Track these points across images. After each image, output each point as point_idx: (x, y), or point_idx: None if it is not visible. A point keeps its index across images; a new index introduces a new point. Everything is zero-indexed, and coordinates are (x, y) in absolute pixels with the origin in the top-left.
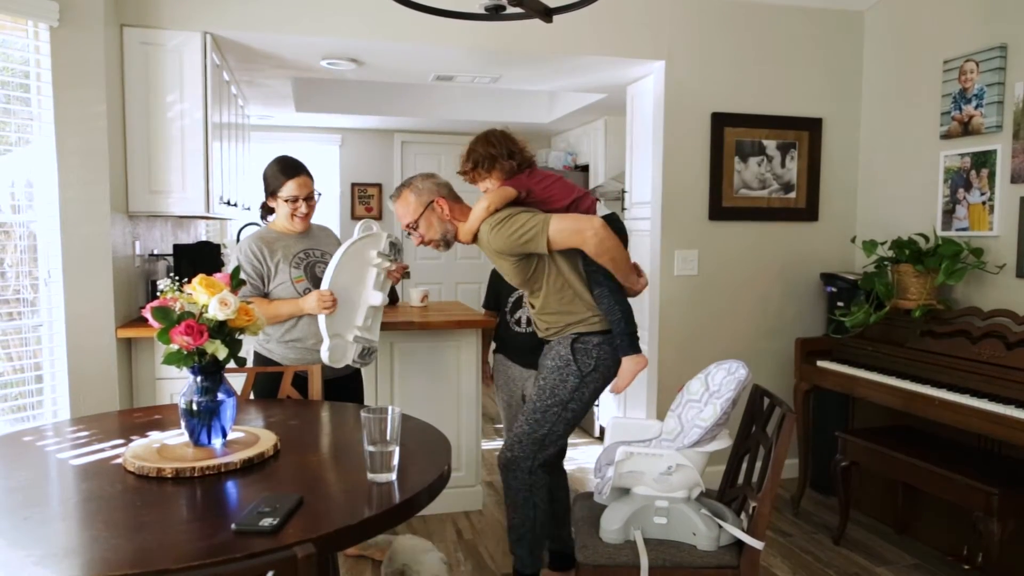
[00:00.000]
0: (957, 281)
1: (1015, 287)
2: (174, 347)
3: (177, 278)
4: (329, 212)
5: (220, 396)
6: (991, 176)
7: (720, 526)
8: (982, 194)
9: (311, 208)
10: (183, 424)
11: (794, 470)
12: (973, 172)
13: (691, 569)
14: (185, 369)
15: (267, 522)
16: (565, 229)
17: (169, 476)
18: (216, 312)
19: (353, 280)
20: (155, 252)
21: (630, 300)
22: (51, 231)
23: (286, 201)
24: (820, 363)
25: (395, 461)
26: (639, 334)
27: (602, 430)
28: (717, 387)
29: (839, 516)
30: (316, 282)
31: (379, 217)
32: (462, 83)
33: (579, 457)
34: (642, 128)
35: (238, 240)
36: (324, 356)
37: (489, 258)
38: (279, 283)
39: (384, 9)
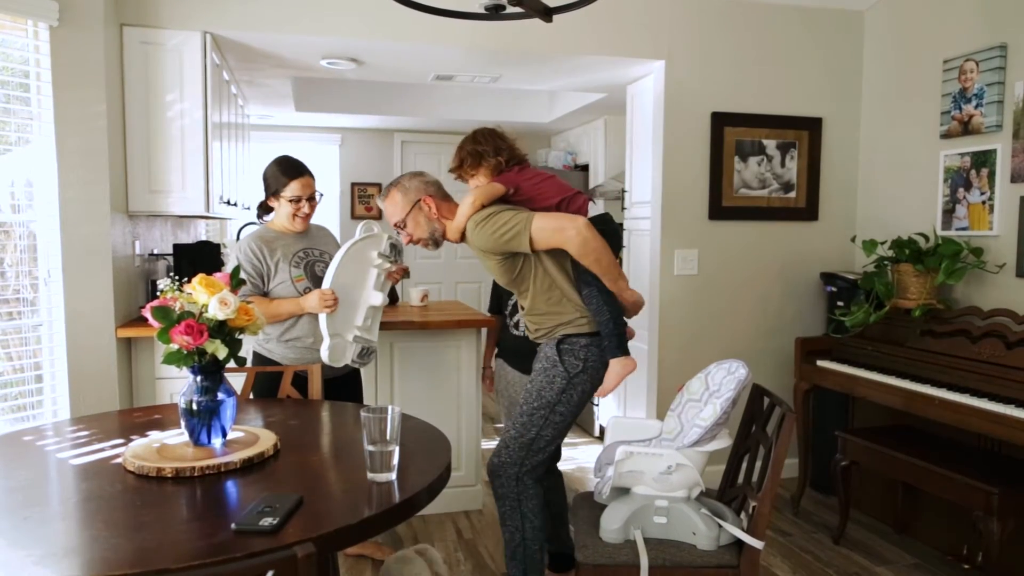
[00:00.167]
0: (957, 281)
1: (1015, 286)
2: (174, 347)
3: (177, 278)
4: (329, 212)
5: (220, 396)
6: (991, 176)
7: (720, 526)
8: (982, 194)
9: (312, 208)
10: (183, 424)
11: (794, 470)
12: (973, 172)
13: (691, 568)
14: (185, 369)
15: (267, 522)
16: (547, 228)
17: (169, 476)
18: (216, 312)
19: (354, 280)
20: (155, 252)
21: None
22: (51, 231)
23: (289, 201)
24: (820, 363)
25: (395, 461)
26: (639, 334)
27: (602, 430)
28: (717, 386)
29: (839, 516)
30: (316, 281)
31: (379, 217)
32: (462, 83)
33: (579, 457)
34: (642, 128)
35: (238, 239)
36: (324, 355)
37: (477, 257)
38: (279, 282)
39: (384, 9)
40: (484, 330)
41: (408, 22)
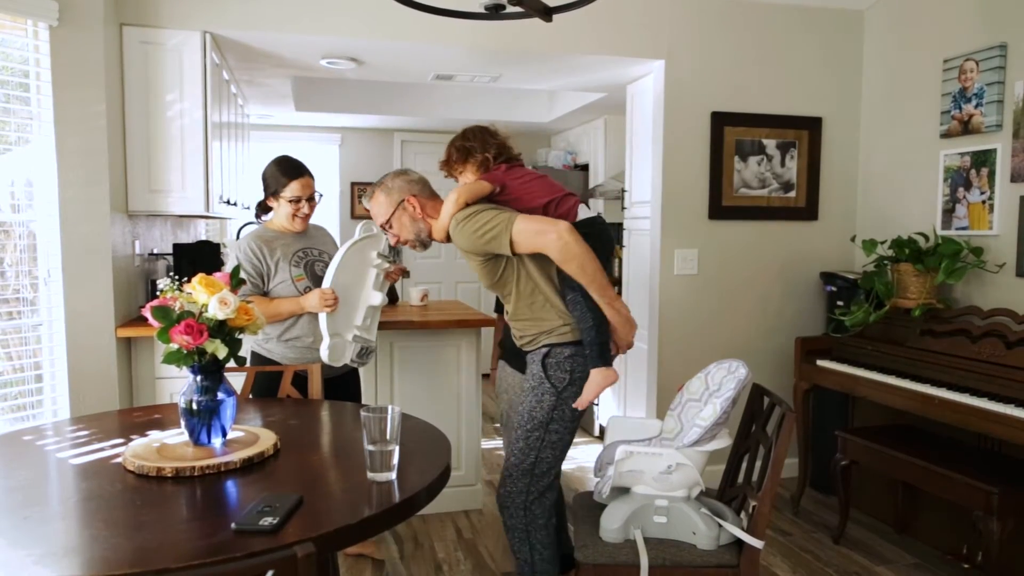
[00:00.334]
0: (957, 280)
1: (1015, 286)
2: (174, 346)
3: (177, 277)
4: (329, 211)
5: (220, 395)
6: (991, 175)
7: (720, 525)
8: (982, 193)
9: (312, 208)
10: (183, 423)
11: (794, 469)
12: (973, 171)
13: (691, 568)
14: (185, 368)
15: (267, 521)
16: (527, 230)
17: (169, 475)
18: (216, 311)
19: (354, 280)
20: (155, 251)
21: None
22: (51, 230)
23: (289, 202)
24: (820, 362)
25: (395, 460)
26: (639, 333)
27: (602, 429)
28: (717, 386)
29: (839, 515)
30: (316, 280)
31: None
32: (462, 82)
33: (579, 456)
34: (642, 127)
35: (238, 239)
36: (323, 355)
37: (463, 257)
38: (279, 281)
39: (384, 8)
40: (484, 330)
41: (408, 22)
